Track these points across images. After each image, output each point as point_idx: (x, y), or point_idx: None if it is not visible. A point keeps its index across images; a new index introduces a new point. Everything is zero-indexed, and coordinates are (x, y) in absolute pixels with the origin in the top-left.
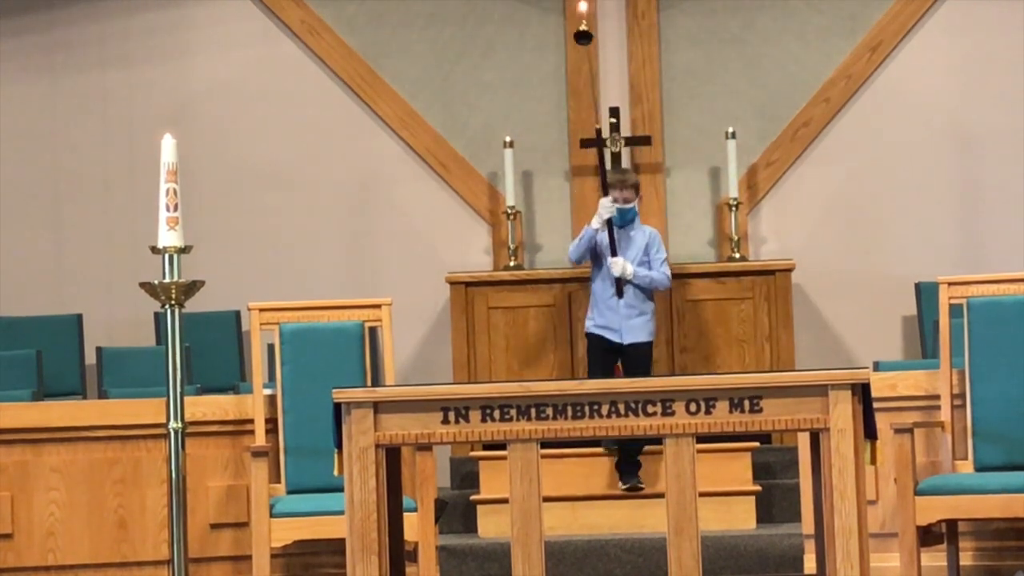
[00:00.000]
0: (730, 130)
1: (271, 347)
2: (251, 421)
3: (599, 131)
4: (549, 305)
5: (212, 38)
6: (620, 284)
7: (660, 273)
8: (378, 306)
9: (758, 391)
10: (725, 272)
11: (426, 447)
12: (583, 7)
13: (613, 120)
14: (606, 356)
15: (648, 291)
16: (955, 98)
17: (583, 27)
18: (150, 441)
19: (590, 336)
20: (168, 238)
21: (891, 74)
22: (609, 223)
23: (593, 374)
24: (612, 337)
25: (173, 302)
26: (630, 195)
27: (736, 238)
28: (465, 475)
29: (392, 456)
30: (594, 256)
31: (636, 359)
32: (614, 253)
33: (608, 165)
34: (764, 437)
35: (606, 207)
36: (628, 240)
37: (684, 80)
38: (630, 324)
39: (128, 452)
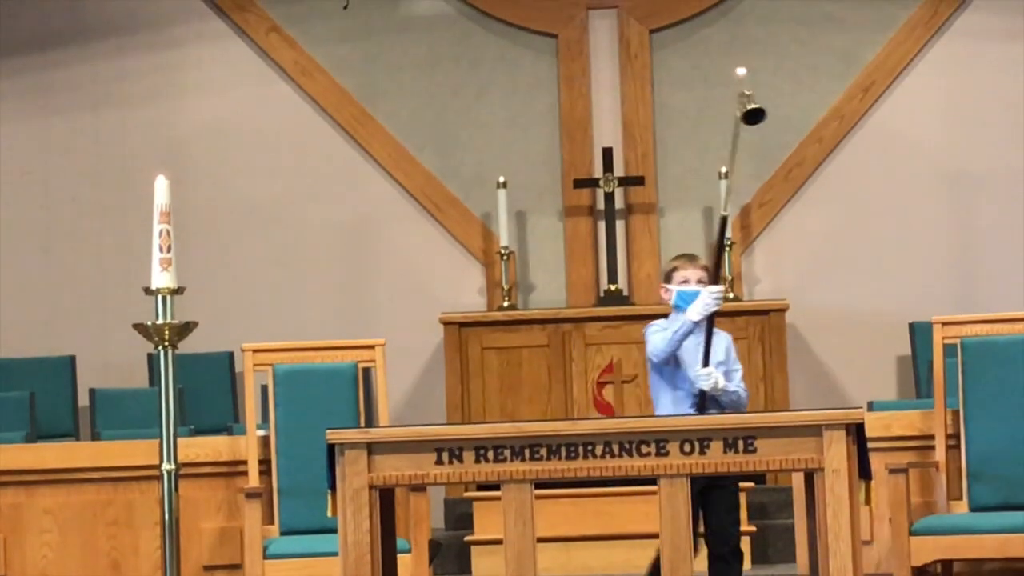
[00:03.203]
0: (723, 170)
1: (264, 388)
2: (244, 462)
3: (723, 219)
4: (543, 345)
5: (205, 79)
6: (704, 400)
7: (743, 390)
8: (372, 347)
9: (752, 431)
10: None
11: (420, 488)
12: (742, 71)
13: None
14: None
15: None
16: (947, 138)
17: (753, 104)
18: (143, 483)
19: None
20: (161, 279)
21: (884, 114)
22: (710, 321)
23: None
24: None
25: (166, 343)
26: (703, 275)
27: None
28: (459, 516)
29: (386, 497)
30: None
31: (722, 496)
32: (706, 361)
33: (600, 203)
34: (759, 477)
35: (716, 298)
36: (702, 341)
37: (677, 121)
38: None
39: (121, 494)
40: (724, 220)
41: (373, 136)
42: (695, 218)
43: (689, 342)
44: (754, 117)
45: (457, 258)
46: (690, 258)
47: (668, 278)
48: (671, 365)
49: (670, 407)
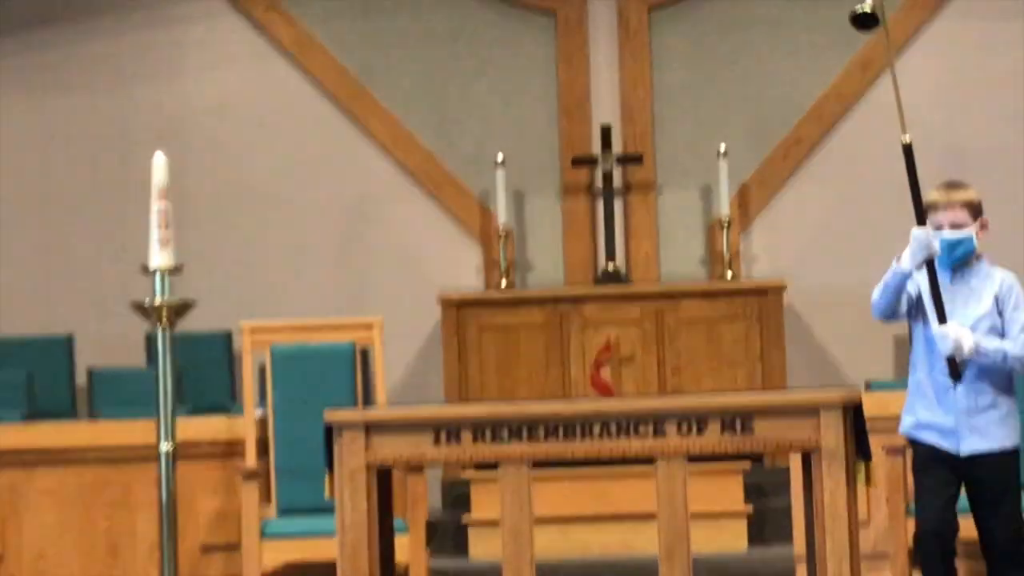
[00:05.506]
0: (722, 148)
1: (262, 368)
2: (242, 442)
3: (906, 148)
4: (541, 325)
5: (204, 57)
6: (955, 363)
7: (1020, 345)
8: (369, 326)
9: (750, 411)
10: (717, 291)
11: (417, 468)
12: None
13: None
14: (937, 465)
15: (1001, 374)
16: (946, 115)
17: (866, 7)
18: (141, 463)
19: (912, 441)
20: (159, 258)
21: (883, 92)
22: (931, 269)
23: (922, 495)
24: (944, 444)
25: (164, 323)
26: (960, 216)
27: (728, 257)
28: (456, 496)
29: (383, 477)
30: (912, 311)
31: (984, 480)
32: (942, 319)
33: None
34: (756, 458)
35: (921, 242)
36: (967, 291)
37: (676, 98)
38: (974, 424)
39: (119, 474)
40: (907, 149)
41: (371, 114)
42: (693, 196)
43: (944, 292)
44: (864, 21)
45: (455, 237)
46: (946, 191)
47: (921, 219)
48: (918, 320)
49: (919, 370)
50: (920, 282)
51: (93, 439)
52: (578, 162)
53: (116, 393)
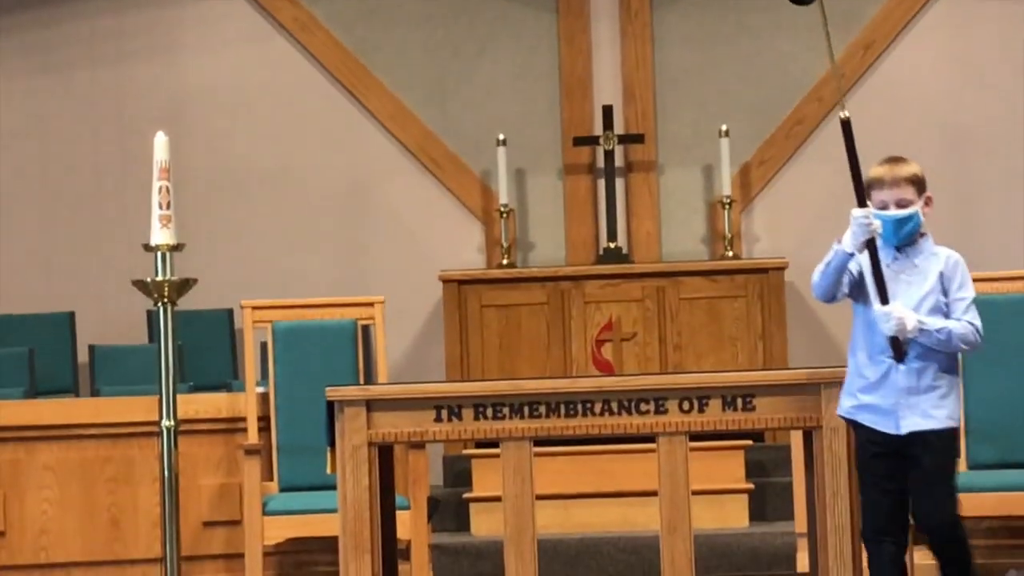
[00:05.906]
0: (723, 128)
1: (264, 345)
2: (244, 419)
3: (844, 123)
4: (542, 303)
5: (204, 36)
6: (899, 343)
7: (964, 324)
8: (371, 304)
9: (751, 389)
10: (718, 270)
11: (419, 445)
12: None
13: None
14: (878, 458)
15: (946, 353)
16: (948, 96)
17: None
18: (143, 439)
19: (850, 424)
20: (160, 236)
21: (884, 72)
22: (872, 249)
23: (866, 490)
24: (882, 426)
25: (166, 300)
26: (905, 194)
27: (729, 236)
28: (458, 473)
29: (385, 454)
30: (854, 292)
31: (920, 459)
32: (884, 299)
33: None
34: (757, 435)
35: (861, 224)
36: (911, 271)
37: (677, 79)
38: (913, 403)
39: (121, 450)
40: (846, 124)
41: (372, 92)
42: (695, 176)
43: (886, 273)
44: None
45: (456, 216)
46: (890, 166)
47: (862, 202)
48: (859, 301)
49: (860, 351)
50: (862, 262)
51: (95, 415)
52: (580, 142)
53: (117, 370)
